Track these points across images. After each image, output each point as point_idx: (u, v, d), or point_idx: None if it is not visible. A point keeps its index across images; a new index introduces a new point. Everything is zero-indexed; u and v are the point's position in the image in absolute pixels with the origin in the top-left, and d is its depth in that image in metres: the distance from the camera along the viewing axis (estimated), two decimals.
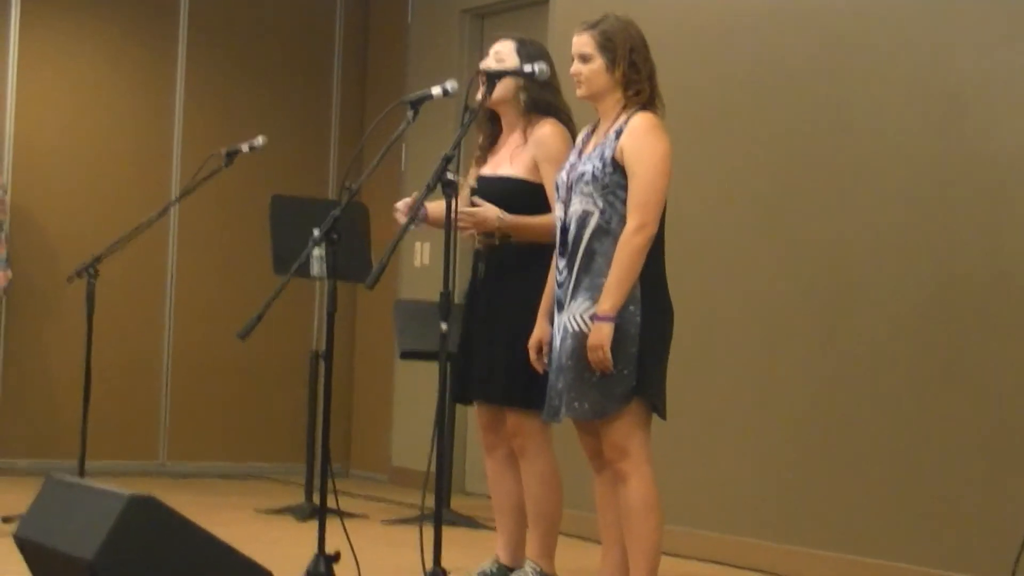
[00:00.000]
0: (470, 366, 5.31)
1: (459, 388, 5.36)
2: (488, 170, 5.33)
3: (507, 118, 5.31)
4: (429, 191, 4.61)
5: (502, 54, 5.26)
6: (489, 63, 5.26)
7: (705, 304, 6.47)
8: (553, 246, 4.81)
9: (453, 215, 4.67)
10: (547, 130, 5.20)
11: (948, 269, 5.70)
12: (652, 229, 4.54)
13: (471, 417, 8.16)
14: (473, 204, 5.16)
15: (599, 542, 4.85)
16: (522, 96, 5.24)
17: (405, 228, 4.76)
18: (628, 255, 4.50)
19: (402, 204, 5.24)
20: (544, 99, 5.25)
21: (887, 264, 5.91)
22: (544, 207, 5.13)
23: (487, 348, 5.21)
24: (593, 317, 4.51)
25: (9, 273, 8.86)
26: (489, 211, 5.12)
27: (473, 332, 5.30)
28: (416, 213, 4.93)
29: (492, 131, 5.37)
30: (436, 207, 5.12)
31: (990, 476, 5.48)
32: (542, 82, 5.09)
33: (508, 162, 5.26)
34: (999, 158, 5.56)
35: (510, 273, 5.20)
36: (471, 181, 5.35)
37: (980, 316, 5.58)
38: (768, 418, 6.32)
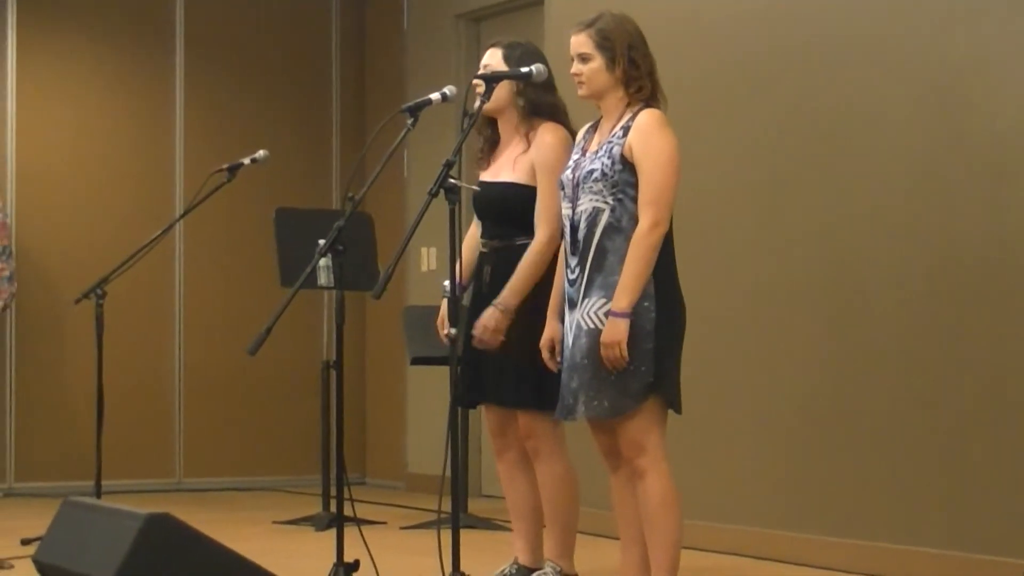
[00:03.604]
0: (476, 370, 5.31)
1: (465, 393, 5.36)
2: (489, 176, 5.34)
3: (505, 124, 5.31)
4: (432, 197, 4.62)
5: (491, 65, 5.26)
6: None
7: (709, 296, 6.46)
8: (557, 247, 4.82)
9: (457, 219, 4.68)
10: (549, 139, 5.18)
11: (950, 252, 5.69)
12: (665, 226, 4.55)
13: (486, 420, 8.17)
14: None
15: (617, 539, 4.86)
16: (519, 101, 5.24)
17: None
18: (642, 252, 4.50)
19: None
20: (543, 101, 5.25)
21: (889, 249, 5.91)
22: None
23: (496, 351, 5.21)
24: (608, 314, 4.51)
25: (14, 287, 8.85)
26: (488, 318, 5.12)
27: None
28: (458, 290, 4.82)
29: (491, 136, 5.38)
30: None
31: (999, 456, 5.48)
32: (540, 83, 5.08)
33: (510, 168, 5.26)
34: (997, 140, 5.56)
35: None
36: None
37: (984, 298, 5.57)
38: (777, 407, 6.32)
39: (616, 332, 4.46)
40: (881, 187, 5.95)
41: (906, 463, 5.80)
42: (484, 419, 5.48)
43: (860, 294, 6.01)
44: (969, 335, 5.60)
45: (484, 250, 5.33)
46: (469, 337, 5.27)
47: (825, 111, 6.19)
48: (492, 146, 5.38)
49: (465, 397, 5.36)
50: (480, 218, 5.39)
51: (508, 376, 5.19)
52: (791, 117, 6.33)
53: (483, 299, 5.29)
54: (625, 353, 4.46)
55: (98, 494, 6.58)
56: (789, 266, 6.31)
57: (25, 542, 6.44)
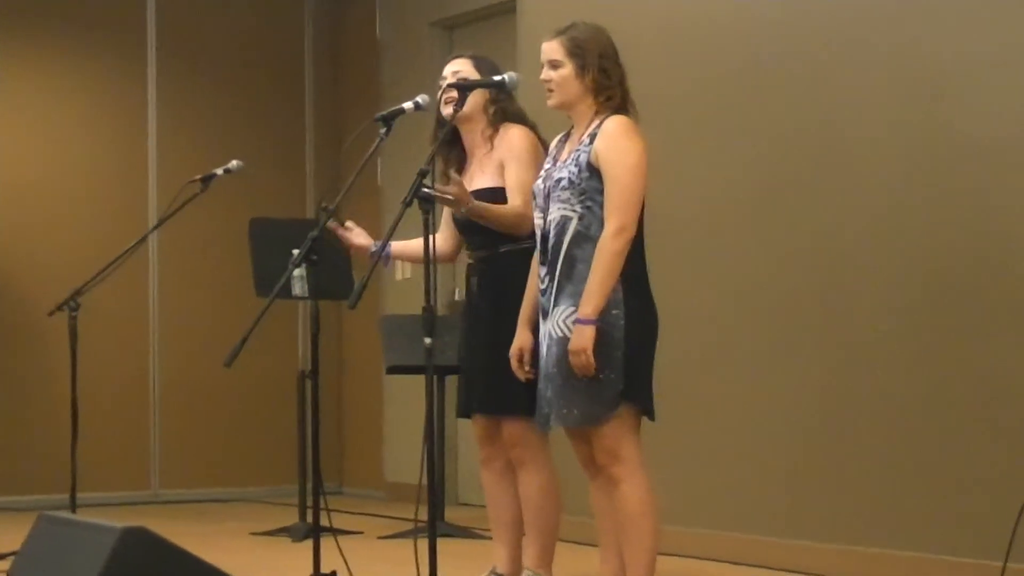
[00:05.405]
0: (464, 379, 5.30)
1: (462, 402, 5.35)
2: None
3: (470, 134, 5.29)
4: (406, 207, 4.61)
5: (462, 72, 5.24)
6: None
7: (701, 303, 6.46)
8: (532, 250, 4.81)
9: (433, 230, 4.67)
10: (514, 132, 5.20)
11: (940, 256, 5.69)
12: (631, 232, 4.53)
13: (463, 428, 8.15)
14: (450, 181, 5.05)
15: (597, 547, 4.85)
16: (491, 108, 5.23)
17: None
18: (607, 258, 4.49)
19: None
20: (513, 109, 5.25)
21: (878, 256, 5.91)
22: None
23: (484, 360, 5.20)
24: (575, 321, 4.50)
25: None
26: (464, 193, 5.05)
27: (471, 346, 5.29)
28: (380, 254, 4.91)
29: (456, 151, 5.33)
30: (400, 246, 5.23)
31: (993, 461, 5.47)
32: (509, 93, 5.09)
33: (480, 173, 5.25)
34: (984, 144, 5.56)
35: (504, 285, 5.18)
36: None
37: (974, 301, 5.57)
38: (768, 412, 6.31)
39: (582, 339, 4.45)
40: (868, 194, 5.95)
41: (898, 466, 5.79)
42: (472, 427, 5.45)
43: (853, 299, 6.01)
44: (964, 340, 5.60)
45: (470, 261, 5.32)
46: (461, 349, 5.27)
47: (816, 118, 6.18)
48: (460, 160, 5.35)
49: (461, 407, 5.36)
50: (463, 232, 5.35)
51: (497, 384, 5.16)
52: (783, 125, 6.33)
53: (474, 311, 5.28)
54: (592, 360, 4.44)
55: (73, 507, 6.54)
56: (782, 271, 6.30)
57: None
